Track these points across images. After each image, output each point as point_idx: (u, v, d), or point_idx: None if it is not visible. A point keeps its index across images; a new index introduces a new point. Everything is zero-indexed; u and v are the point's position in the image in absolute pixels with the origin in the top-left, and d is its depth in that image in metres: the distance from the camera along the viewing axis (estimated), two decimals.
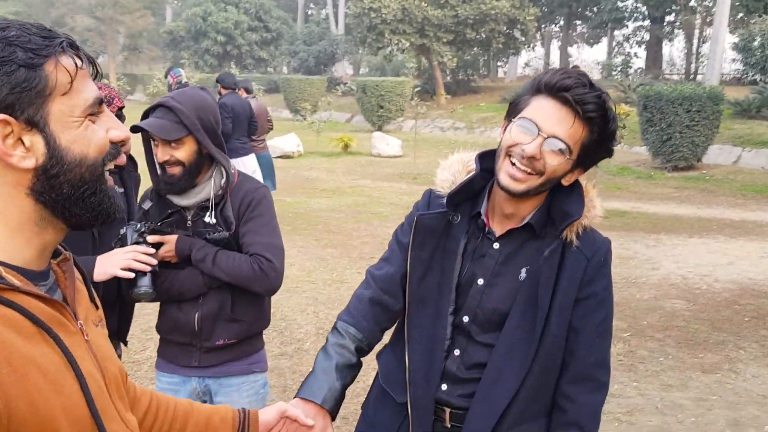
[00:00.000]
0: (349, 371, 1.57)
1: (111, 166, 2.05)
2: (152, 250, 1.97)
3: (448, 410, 1.54)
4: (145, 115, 2.05)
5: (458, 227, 1.53)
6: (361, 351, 1.60)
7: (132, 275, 1.93)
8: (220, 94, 7.47)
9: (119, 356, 2.21)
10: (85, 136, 0.84)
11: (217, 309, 2.09)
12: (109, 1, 36.63)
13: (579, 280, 1.45)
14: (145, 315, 4.24)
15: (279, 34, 37.18)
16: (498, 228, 1.52)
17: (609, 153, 1.47)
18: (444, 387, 1.54)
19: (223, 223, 2.06)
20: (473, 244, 1.53)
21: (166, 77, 8.88)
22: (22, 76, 0.78)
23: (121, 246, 2.00)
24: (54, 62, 0.81)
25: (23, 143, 0.80)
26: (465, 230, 1.53)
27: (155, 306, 2.22)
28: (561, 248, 1.45)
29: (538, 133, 1.37)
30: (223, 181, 2.05)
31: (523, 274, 1.48)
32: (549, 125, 1.37)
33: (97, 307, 1.00)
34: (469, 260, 1.53)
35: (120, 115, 2.16)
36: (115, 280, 1.96)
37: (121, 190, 2.27)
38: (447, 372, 1.54)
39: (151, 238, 1.99)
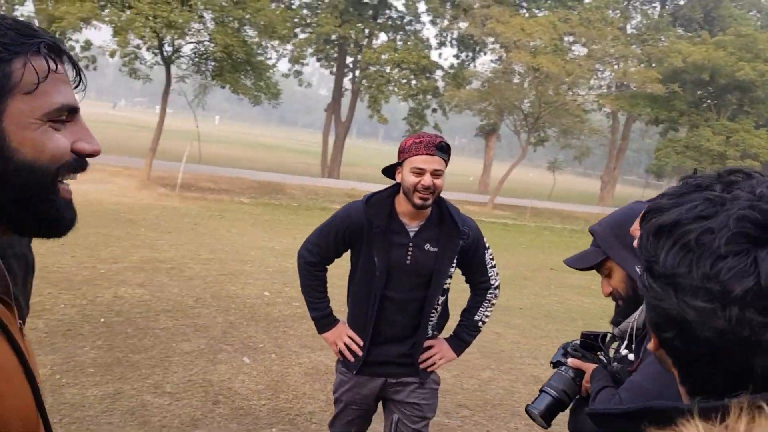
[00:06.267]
0: None
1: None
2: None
3: None
4: None
5: None
6: None
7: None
8: None
9: None
10: (40, 141, 0.78)
11: None
12: None
13: None
14: None
15: None
16: None
17: None
18: None
19: (636, 358, 1.80)
20: None
21: None
22: None
23: (557, 361, 1.96)
24: (23, 60, 0.77)
25: None
26: None
27: None
28: None
29: None
30: None
31: None
32: None
33: None
34: None
35: None
36: None
37: None
38: None
39: (571, 362, 1.91)
